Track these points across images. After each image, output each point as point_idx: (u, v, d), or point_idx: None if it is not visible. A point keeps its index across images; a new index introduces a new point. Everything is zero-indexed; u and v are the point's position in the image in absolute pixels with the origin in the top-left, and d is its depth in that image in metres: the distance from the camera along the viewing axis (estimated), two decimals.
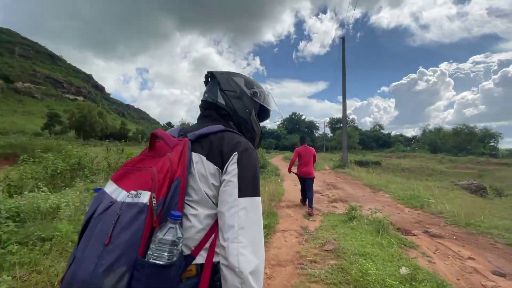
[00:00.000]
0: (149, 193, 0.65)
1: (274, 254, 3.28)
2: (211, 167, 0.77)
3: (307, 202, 5.85)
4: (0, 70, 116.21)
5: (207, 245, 0.75)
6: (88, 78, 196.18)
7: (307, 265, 2.93)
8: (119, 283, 0.58)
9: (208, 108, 0.98)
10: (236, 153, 0.78)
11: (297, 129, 79.24)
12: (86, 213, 0.73)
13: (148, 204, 0.64)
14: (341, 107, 17.73)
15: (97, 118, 67.84)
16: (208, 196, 0.76)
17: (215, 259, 0.76)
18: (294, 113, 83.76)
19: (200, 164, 0.77)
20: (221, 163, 0.78)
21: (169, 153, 0.73)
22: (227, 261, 0.70)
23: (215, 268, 0.76)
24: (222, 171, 0.78)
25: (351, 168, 15.70)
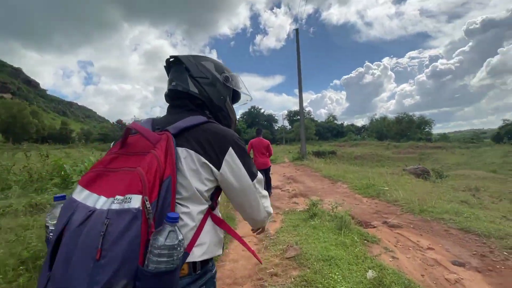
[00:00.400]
0: (140, 196, 0.59)
1: (229, 269, 2.83)
2: (202, 161, 0.73)
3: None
4: None
5: (199, 241, 0.72)
6: (17, 72, 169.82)
7: (267, 280, 2.54)
8: None
9: (179, 98, 0.90)
10: (230, 148, 0.77)
11: (257, 122, 79.48)
12: (56, 225, 0.65)
13: (141, 208, 0.58)
14: (297, 100, 17.88)
15: (30, 118, 58.74)
16: (199, 192, 0.73)
17: (205, 256, 0.73)
18: (253, 107, 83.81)
19: (189, 158, 0.72)
20: (215, 156, 0.75)
21: (153, 150, 0.66)
22: (259, 217, 0.90)
23: (204, 269, 0.75)
24: (214, 165, 0.75)
25: (310, 159, 15.98)
